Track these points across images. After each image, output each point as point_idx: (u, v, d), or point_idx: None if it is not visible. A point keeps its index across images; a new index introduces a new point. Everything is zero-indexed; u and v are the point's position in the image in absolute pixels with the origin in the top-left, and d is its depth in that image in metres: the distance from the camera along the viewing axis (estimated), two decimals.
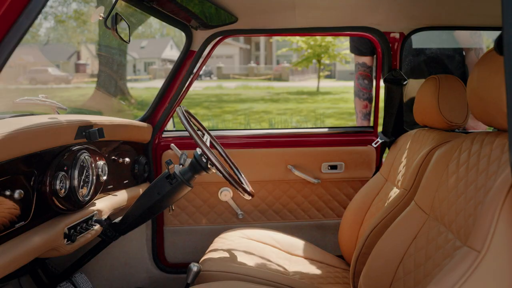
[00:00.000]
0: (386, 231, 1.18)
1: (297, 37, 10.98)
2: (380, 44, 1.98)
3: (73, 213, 1.37)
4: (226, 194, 2.06)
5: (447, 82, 1.43)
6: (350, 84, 3.31)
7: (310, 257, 1.73)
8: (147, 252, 2.03)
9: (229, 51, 32.16)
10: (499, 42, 0.68)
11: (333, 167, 2.08)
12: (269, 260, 1.60)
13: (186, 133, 2.08)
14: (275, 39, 18.45)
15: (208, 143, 1.62)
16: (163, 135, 2.04)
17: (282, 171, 2.06)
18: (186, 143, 2.02)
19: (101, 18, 1.31)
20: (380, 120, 2.12)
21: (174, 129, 2.21)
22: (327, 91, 18.12)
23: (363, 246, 1.33)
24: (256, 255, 1.61)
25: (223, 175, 1.35)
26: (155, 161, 2.01)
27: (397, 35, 1.93)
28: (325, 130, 2.16)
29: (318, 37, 15.87)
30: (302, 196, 2.11)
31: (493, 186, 0.71)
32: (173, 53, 31.56)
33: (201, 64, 2.07)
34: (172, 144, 1.43)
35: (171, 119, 2.11)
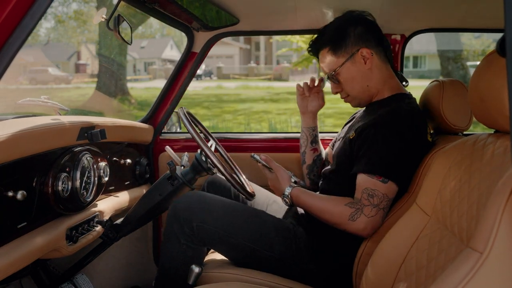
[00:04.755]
0: (388, 232, 1.18)
1: (297, 37, 10.98)
2: None
3: (75, 214, 1.37)
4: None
5: (450, 86, 1.42)
6: None
7: None
8: (148, 253, 2.03)
9: (229, 51, 32.14)
10: (501, 44, 0.68)
11: None
12: None
13: (185, 135, 2.08)
14: (275, 39, 18.45)
15: (213, 148, 1.62)
16: (161, 137, 2.04)
17: None
18: (186, 145, 2.02)
19: (103, 20, 1.31)
20: None
21: (180, 130, 2.20)
22: (327, 91, 18.03)
23: (365, 247, 1.33)
24: None
25: (225, 176, 1.35)
26: (156, 162, 2.01)
27: (398, 37, 1.93)
28: (329, 134, 2.16)
29: None
30: None
31: (495, 187, 0.71)
32: (173, 53, 31.56)
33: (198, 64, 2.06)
34: (167, 147, 1.43)
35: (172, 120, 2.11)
